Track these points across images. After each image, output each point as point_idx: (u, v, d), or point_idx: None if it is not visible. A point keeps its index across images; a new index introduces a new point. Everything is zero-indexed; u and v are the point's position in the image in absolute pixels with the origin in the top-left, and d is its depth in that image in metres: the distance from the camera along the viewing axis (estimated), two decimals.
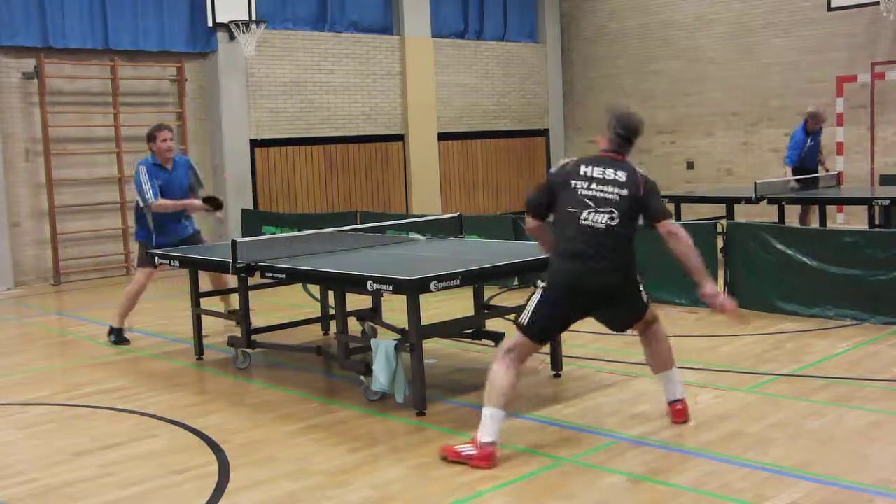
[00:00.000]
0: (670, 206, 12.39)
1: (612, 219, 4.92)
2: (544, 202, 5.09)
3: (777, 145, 15.55)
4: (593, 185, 4.95)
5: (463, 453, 4.78)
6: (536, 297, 4.98)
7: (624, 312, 5.17)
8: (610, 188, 4.94)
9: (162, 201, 8.02)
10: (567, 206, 4.96)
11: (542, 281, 5.02)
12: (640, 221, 5.13)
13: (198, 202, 8.20)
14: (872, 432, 5.05)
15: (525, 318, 4.99)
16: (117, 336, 8.23)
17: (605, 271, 4.90)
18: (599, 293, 4.96)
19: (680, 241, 5.05)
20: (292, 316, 8.35)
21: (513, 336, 5.07)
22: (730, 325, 5.40)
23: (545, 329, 5.04)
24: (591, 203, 4.92)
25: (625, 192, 4.94)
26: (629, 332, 5.38)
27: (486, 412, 4.81)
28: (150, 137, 8.19)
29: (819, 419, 5.30)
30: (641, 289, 5.18)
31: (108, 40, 12.68)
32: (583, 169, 5.00)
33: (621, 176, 4.97)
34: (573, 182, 4.98)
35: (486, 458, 4.72)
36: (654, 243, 9.31)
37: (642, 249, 9.21)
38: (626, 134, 5.06)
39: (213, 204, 8.27)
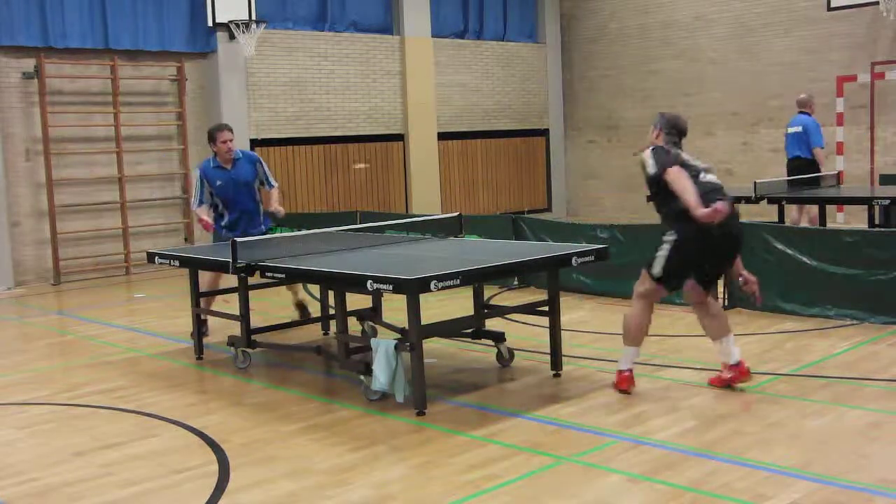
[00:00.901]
0: None
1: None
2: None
3: (777, 145, 15.53)
4: (696, 161, 5.84)
5: (614, 383, 5.96)
6: (666, 249, 5.72)
7: (728, 265, 5.91)
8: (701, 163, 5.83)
9: (196, 210, 8.13)
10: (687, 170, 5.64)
11: (670, 233, 5.70)
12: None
13: (206, 218, 7.99)
14: (872, 432, 5.06)
15: (657, 270, 5.76)
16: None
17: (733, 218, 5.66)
18: (728, 240, 5.72)
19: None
20: (292, 316, 8.35)
21: (641, 279, 5.86)
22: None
23: (680, 277, 5.81)
24: (702, 168, 5.77)
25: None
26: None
27: (632, 352, 5.91)
28: (211, 138, 8.12)
29: (819, 419, 5.30)
30: None
31: (108, 40, 12.68)
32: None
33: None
34: (683, 156, 5.78)
35: (625, 381, 5.90)
36: (658, 245, 9.32)
37: (647, 248, 9.21)
38: (677, 133, 5.91)
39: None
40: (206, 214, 8.05)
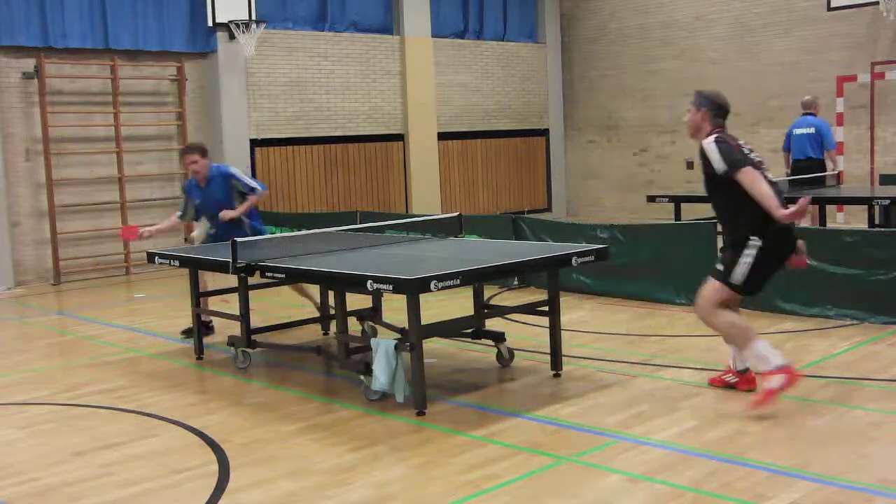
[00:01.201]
0: (670, 206, 12.53)
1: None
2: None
3: (777, 145, 15.52)
4: (753, 152, 5.47)
5: (778, 387, 5.30)
6: (751, 255, 5.33)
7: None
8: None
9: (173, 219, 8.63)
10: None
11: (755, 238, 5.32)
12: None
13: (154, 227, 8.44)
14: (872, 432, 5.05)
15: (739, 277, 5.40)
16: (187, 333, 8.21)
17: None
18: (795, 234, 5.53)
19: None
20: (292, 316, 8.35)
21: (714, 291, 5.51)
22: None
23: (760, 285, 5.54)
24: (759, 160, 5.43)
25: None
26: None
27: (759, 345, 5.40)
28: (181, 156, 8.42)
29: (819, 419, 5.30)
30: None
31: (108, 40, 12.68)
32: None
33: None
34: (745, 148, 5.43)
35: (795, 374, 5.37)
36: (658, 245, 9.33)
37: (648, 250, 9.22)
38: (724, 113, 5.57)
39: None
40: (163, 224, 8.59)
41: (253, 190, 8.25)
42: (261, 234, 8.27)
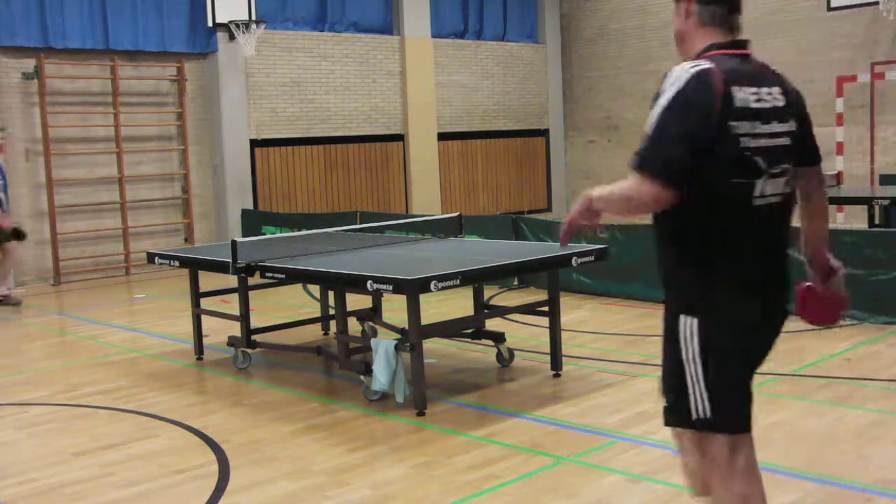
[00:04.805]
0: None
1: (786, 186, 2.92)
2: (689, 162, 2.81)
3: None
4: (759, 125, 2.80)
5: None
6: (698, 367, 2.91)
7: None
8: (777, 125, 2.87)
9: None
10: (728, 173, 2.79)
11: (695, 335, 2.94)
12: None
13: None
14: (872, 432, 5.05)
15: (700, 407, 2.91)
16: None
17: (782, 303, 3.18)
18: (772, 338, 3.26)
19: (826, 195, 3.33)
20: (292, 316, 8.36)
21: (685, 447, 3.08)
22: None
23: (739, 406, 2.99)
24: (762, 163, 2.82)
25: (793, 127, 2.93)
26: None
27: None
28: None
29: (819, 419, 5.30)
30: None
31: (108, 40, 12.68)
32: (738, 94, 2.78)
33: (779, 97, 2.92)
34: (733, 123, 2.76)
35: None
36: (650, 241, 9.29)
37: (648, 250, 9.21)
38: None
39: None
40: None
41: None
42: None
